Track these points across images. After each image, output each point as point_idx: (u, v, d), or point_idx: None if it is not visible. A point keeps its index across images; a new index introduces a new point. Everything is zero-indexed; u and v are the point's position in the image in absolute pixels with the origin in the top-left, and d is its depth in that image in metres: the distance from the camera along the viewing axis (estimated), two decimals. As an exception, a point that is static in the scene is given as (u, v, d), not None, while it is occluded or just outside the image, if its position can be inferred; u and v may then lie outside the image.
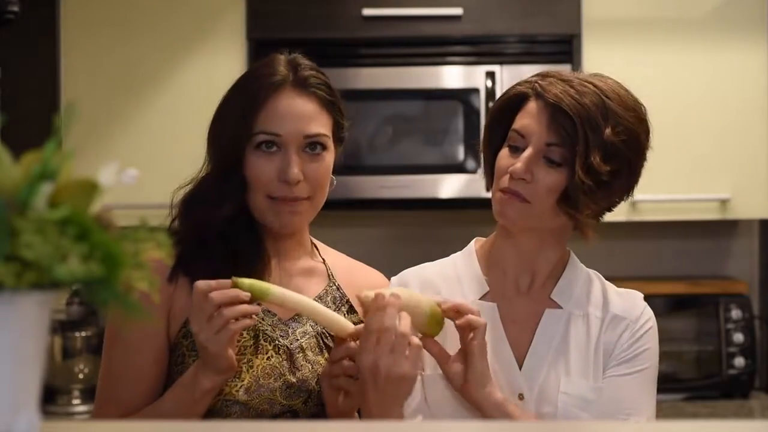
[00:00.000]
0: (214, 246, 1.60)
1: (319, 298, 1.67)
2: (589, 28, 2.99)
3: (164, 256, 0.86)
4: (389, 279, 1.72)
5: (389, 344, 1.46)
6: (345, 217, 3.22)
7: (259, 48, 2.91)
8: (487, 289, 1.65)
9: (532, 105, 1.58)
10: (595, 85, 1.56)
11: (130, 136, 2.98)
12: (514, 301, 1.65)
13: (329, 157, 1.64)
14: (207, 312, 1.43)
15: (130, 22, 2.98)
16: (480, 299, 1.65)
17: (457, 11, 2.96)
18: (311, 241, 1.76)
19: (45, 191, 0.81)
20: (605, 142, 1.52)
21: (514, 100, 1.61)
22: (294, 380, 1.59)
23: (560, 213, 1.57)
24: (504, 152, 1.60)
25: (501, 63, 2.97)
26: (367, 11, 2.95)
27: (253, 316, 1.47)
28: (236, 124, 1.61)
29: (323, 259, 1.75)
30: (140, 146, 2.97)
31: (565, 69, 1.95)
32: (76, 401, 2.97)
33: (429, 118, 2.99)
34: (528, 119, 1.57)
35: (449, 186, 2.95)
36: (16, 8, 2.29)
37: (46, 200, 0.82)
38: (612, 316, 1.64)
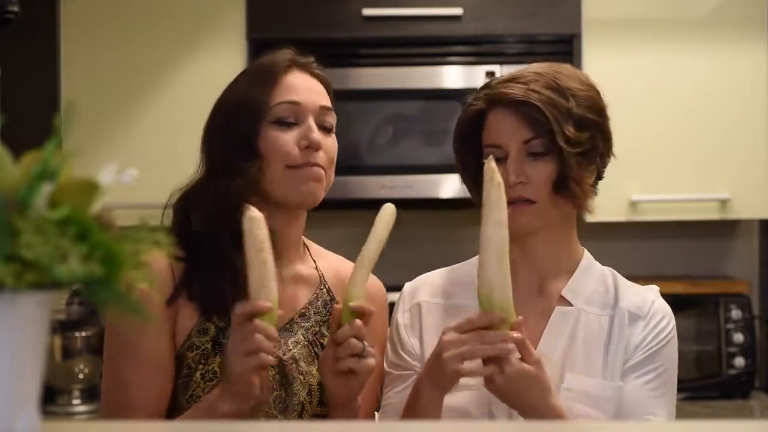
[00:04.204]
0: (213, 262, 1.57)
1: (309, 304, 1.67)
2: (589, 28, 2.99)
3: (164, 255, 0.86)
4: (384, 281, 1.74)
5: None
6: (345, 217, 3.21)
7: (259, 48, 2.90)
8: None
9: (493, 116, 1.61)
10: (536, 72, 1.61)
11: (129, 136, 2.98)
12: (526, 301, 1.65)
13: (335, 140, 1.67)
14: (241, 335, 1.41)
15: (130, 22, 2.98)
16: None
17: (457, 11, 2.96)
18: (303, 242, 1.74)
19: (45, 191, 0.81)
20: (572, 114, 1.58)
21: (473, 120, 1.64)
22: (284, 395, 1.58)
23: (562, 198, 1.59)
24: None
25: (501, 63, 2.97)
26: (367, 11, 2.95)
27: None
28: (252, 101, 1.62)
29: (314, 261, 1.73)
30: (140, 146, 2.97)
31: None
32: (76, 401, 2.97)
33: (429, 118, 2.99)
34: (496, 129, 1.61)
35: (449, 186, 2.95)
36: (16, 8, 2.28)
37: (46, 200, 0.82)
38: (624, 313, 1.64)
